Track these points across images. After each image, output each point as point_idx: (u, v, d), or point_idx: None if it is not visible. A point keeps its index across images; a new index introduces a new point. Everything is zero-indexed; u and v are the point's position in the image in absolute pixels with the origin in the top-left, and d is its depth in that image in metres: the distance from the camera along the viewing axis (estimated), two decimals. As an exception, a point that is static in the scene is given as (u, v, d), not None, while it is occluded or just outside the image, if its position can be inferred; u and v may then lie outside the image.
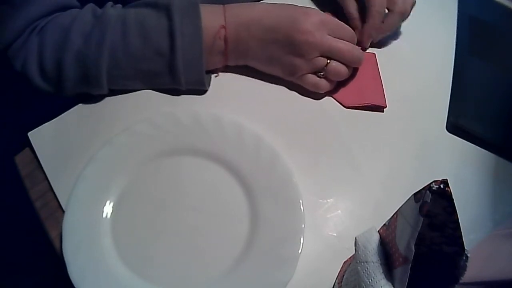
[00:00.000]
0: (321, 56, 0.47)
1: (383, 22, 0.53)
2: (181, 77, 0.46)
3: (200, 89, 0.49)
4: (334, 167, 0.46)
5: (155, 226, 0.41)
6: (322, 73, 0.48)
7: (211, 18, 0.46)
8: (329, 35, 0.47)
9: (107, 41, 0.43)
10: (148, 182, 0.43)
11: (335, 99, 0.51)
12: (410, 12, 0.54)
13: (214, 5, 0.47)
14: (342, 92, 0.51)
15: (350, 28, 0.50)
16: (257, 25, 0.46)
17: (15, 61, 0.44)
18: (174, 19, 0.44)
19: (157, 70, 0.46)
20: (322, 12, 0.48)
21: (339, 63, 0.48)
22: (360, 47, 0.51)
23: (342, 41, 0.47)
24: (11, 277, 0.99)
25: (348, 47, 0.47)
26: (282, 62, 0.48)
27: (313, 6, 0.58)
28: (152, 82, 0.48)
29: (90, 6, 0.46)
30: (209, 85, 0.49)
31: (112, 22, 0.44)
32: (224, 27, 0.46)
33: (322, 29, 0.46)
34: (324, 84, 0.49)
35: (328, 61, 0.47)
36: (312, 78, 0.49)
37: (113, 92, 0.48)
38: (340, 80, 0.50)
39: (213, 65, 0.49)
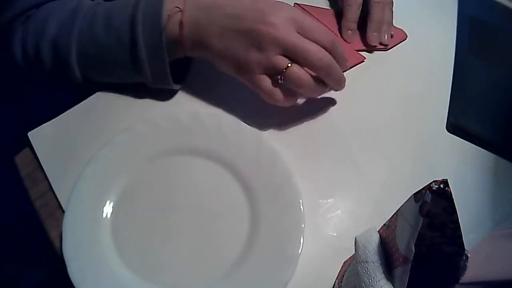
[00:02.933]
0: (283, 55, 0.42)
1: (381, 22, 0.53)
2: (145, 68, 0.45)
3: (168, 88, 0.47)
4: (334, 167, 0.46)
5: (155, 226, 0.41)
6: (280, 77, 0.42)
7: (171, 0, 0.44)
8: (298, 33, 0.42)
9: (75, 29, 0.45)
10: (148, 182, 0.43)
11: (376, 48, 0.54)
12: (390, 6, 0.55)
13: None
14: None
15: (329, 32, 0.44)
16: (219, 11, 0.43)
17: (4, 31, 0.48)
18: (139, 6, 0.43)
19: (120, 60, 0.45)
20: (299, 11, 0.44)
21: (301, 69, 0.42)
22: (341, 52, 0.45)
23: (311, 42, 0.41)
24: (11, 277, 0.99)
25: (316, 49, 0.41)
26: (237, 55, 0.42)
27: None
28: (119, 75, 0.48)
29: None
30: (178, 84, 0.48)
31: (83, 11, 0.46)
32: (180, 10, 0.43)
33: (291, 25, 0.41)
34: (278, 95, 0.43)
35: (289, 64, 0.41)
36: (267, 82, 0.43)
37: (112, 92, 0.48)
38: (300, 91, 0.43)
39: (173, 53, 0.45)
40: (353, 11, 0.54)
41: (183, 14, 0.43)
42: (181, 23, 0.43)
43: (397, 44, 0.57)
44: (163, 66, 0.45)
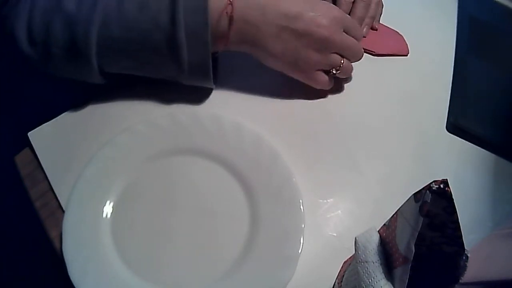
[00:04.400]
0: (335, 53, 0.47)
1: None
2: (183, 54, 0.41)
3: (203, 85, 0.46)
4: (334, 167, 0.46)
5: (155, 226, 0.41)
6: (335, 71, 0.47)
7: None
8: (344, 31, 0.46)
9: (100, 5, 0.40)
10: (148, 182, 0.43)
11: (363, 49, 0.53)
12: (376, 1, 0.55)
13: None
14: (369, 43, 0.55)
15: (360, 28, 0.50)
16: (273, 8, 0.43)
17: (6, 21, 0.41)
18: None
19: (154, 43, 0.41)
20: (340, 10, 0.48)
21: (349, 62, 0.48)
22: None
23: (354, 40, 0.47)
24: (11, 277, 0.99)
25: (359, 46, 0.48)
26: (296, 55, 0.45)
27: None
28: (147, 61, 0.43)
29: None
30: (214, 81, 0.46)
31: None
32: (230, 3, 0.41)
33: (339, 25, 0.45)
34: (331, 83, 0.49)
35: (342, 60, 0.47)
36: (323, 76, 0.48)
37: (112, 92, 0.48)
38: (345, 78, 0.51)
39: (213, 46, 0.44)
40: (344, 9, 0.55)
41: (234, 8, 0.42)
42: (231, 17, 0.42)
43: (394, 55, 0.56)
44: (205, 54, 0.42)
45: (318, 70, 0.47)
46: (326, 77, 0.48)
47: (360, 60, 0.49)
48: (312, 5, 0.44)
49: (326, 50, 0.45)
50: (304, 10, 0.44)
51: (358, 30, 0.48)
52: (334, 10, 0.46)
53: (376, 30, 0.57)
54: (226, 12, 0.42)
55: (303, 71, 0.48)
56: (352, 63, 0.49)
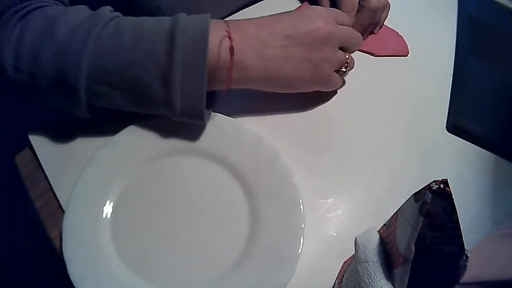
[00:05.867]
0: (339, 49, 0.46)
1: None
2: (176, 93, 0.39)
3: (196, 121, 0.42)
4: (334, 167, 0.46)
5: (155, 226, 0.41)
6: (345, 68, 0.47)
7: (215, 25, 0.40)
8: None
9: (94, 34, 0.38)
10: (148, 182, 0.43)
11: (363, 51, 0.55)
12: (384, 10, 0.54)
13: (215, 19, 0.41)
14: (369, 44, 0.55)
15: (345, 13, 0.49)
16: (269, 31, 0.42)
17: None
18: (179, 24, 0.39)
19: (147, 79, 0.39)
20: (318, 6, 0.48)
21: (351, 56, 0.48)
22: None
23: (347, 27, 0.47)
24: (11, 277, 0.99)
25: (355, 33, 0.47)
26: (312, 63, 0.43)
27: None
28: (139, 97, 0.40)
29: (85, 6, 0.42)
30: (207, 119, 0.44)
31: (105, 19, 0.39)
32: (229, 36, 0.40)
33: (332, 19, 0.45)
34: (344, 81, 0.50)
35: (347, 55, 0.46)
36: (337, 76, 0.47)
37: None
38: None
39: (214, 84, 0.42)
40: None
41: (232, 40, 0.40)
42: (231, 49, 0.40)
43: (393, 55, 0.56)
44: (199, 93, 0.39)
45: (333, 72, 0.46)
46: (339, 78, 0.48)
47: (360, 61, 0.49)
48: (300, 14, 0.44)
49: (332, 47, 0.44)
50: (297, 21, 0.43)
51: (346, 18, 0.48)
52: (320, 10, 0.45)
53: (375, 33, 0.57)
54: (225, 46, 0.40)
55: (323, 78, 0.46)
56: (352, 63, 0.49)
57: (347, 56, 0.47)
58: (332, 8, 0.49)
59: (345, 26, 0.46)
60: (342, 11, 0.50)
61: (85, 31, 0.38)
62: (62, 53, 0.38)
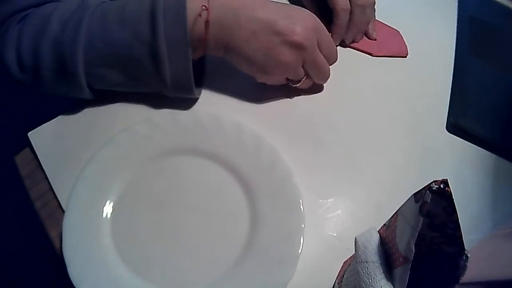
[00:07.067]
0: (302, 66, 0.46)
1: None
2: (165, 66, 0.42)
3: (188, 94, 0.45)
4: (334, 167, 0.46)
5: (155, 226, 0.41)
6: (293, 84, 0.48)
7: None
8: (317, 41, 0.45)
9: (83, 25, 0.41)
10: (148, 182, 0.43)
11: (362, 50, 0.55)
12: (371, 6, 0.54)
13: None
14: (367, 44, 0.55)
15: (336, 50, 0.48)
16: (247, 13, 0.42)
17: None
18: (158, 2, 0.41)
19: (138, 57, 0.42)
20: (315, 16, 0.46)
21: (310, 80, 0.48)
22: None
23: (323, 58, 0.46)
24: (11, 277, 0.99)
25: (327, 68, 0.47)
26: (269, 54, 0.44)
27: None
28: (133, 77, 0.44)
29: None
30: (199, 93, 0.46)
31: (91, 7, 0.42)
32: (206, 8, 0.42)
33: (314, 35, 0.44)
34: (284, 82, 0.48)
35: (305, 76, 0.47)
36: (283, 79, 0.47)
37: (112, 92, 0.47)
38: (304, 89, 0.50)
39: (194, 52, 0.44)
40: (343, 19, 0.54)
41: (209, 12, 0.42)
42: (207, 22, 0.42)
43: (392, 56, 0.56)
44: (186, 65, 0.42)
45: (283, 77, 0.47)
46: (284, 79, 0.47)
47: (360, 61, 0.49)
48: (289, 13, 0.44)
49: (295, 57, 0.44)
50: (280, 17, 0.43)
51: (332, 51, 0.47)
52: (310, 20, 0.44)
53: (374, 39, 0.56)
54: (200, 15, 0.42)
55: (269, 77, 0.47)
56: (352, 63, 0.49)
57: (304, 77, 0.47)
58: (326, 31, 0.46)
59: (321, 55, 0.46)
60: (335, 9, 0.51)
61: (75, 21, 0.41)
62: (58, 45, 0.41)
